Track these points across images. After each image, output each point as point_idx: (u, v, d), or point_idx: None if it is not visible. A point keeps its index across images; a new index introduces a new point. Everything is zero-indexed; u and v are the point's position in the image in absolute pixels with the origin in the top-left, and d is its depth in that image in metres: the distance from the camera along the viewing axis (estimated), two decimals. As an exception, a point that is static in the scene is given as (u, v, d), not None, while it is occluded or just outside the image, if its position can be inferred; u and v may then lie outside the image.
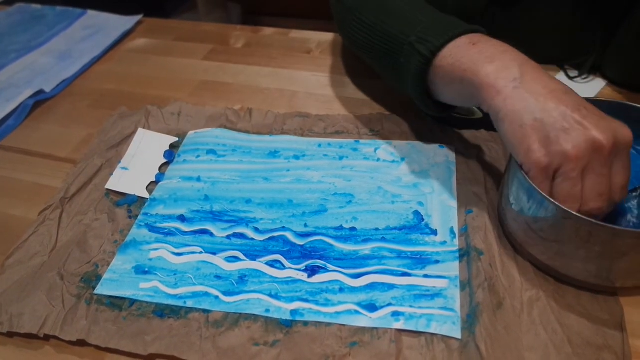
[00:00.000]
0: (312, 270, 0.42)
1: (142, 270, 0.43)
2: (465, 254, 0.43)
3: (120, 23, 0.82)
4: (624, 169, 0.36)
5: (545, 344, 0.36)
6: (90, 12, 0.87)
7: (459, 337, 0.37)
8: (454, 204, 0.47)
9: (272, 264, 0.43)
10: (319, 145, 0.55)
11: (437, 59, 0.43)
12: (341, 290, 0.41)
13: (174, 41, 0.79)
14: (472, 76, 0.40)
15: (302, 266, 0.43)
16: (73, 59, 0.75)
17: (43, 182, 0.54)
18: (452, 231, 0.45)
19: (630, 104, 0.42)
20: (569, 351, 0.36)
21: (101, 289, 0.42)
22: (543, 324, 0.37)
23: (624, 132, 0.35)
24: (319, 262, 0.43)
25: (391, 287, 0.41)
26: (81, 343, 0.39)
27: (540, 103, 0.36)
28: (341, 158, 0.53)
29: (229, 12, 1.54)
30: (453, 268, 0.42)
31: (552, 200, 0.35)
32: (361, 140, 0.55)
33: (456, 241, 0.44)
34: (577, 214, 0.34)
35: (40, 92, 0.67)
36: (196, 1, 1.51)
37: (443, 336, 0.37)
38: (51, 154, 0.58)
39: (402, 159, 0.52)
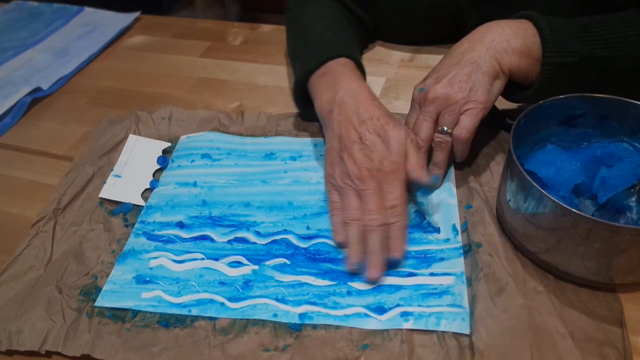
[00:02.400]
0: (319, 273, 0.42)
1: (143, 280, 0.42)
2: (468, 250, 0.43)
3: (118, 20, 0.81)
4: (387, 193, 0.43)
5: (548, 335, 0.36)
6: (88, 9, 0.86)
7: (468, 332, 0.37)
8: (454, 201, 0.47)
9: (276, 267, 0.43)
10: (315, 145, 0.54)
11: (309, 81, 0.53)
12: (349, 293, 0.40)
13: (172, 38, 0.78)
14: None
15: (308, 269, 0.42)
16: (70, 56, 0.74)
17: (41, 180, 0.53)
18: (454, 228, 0.45)
19: (628, 100, 0.42)
20: (571, 345, 0.36)
21: (102, 301, 0.41)
22: (544, 316, 0.38)
23: (386, 162, 0.44)
24: (325, 265, 0.43)
25: (398, 288, 0.41)
26: (85, 358, 0.38)
27: (335, 131, 0.47)
28: (338, 158, 0.52)
29: (226, 9, 1.53)
30: (458, 264, 0.42)
31: (551, 197, 0.35)
32: (357, 140, 0.54)
33: (459, 237, 0.44)
34: (577, 211, 0.34)
35: (38, 89, 0.66)
36: (194, -2, 1.49)
37: (454, 332, 0.37)
38: (49, 152, 0.57)
39: (399, 157, 0.52)
